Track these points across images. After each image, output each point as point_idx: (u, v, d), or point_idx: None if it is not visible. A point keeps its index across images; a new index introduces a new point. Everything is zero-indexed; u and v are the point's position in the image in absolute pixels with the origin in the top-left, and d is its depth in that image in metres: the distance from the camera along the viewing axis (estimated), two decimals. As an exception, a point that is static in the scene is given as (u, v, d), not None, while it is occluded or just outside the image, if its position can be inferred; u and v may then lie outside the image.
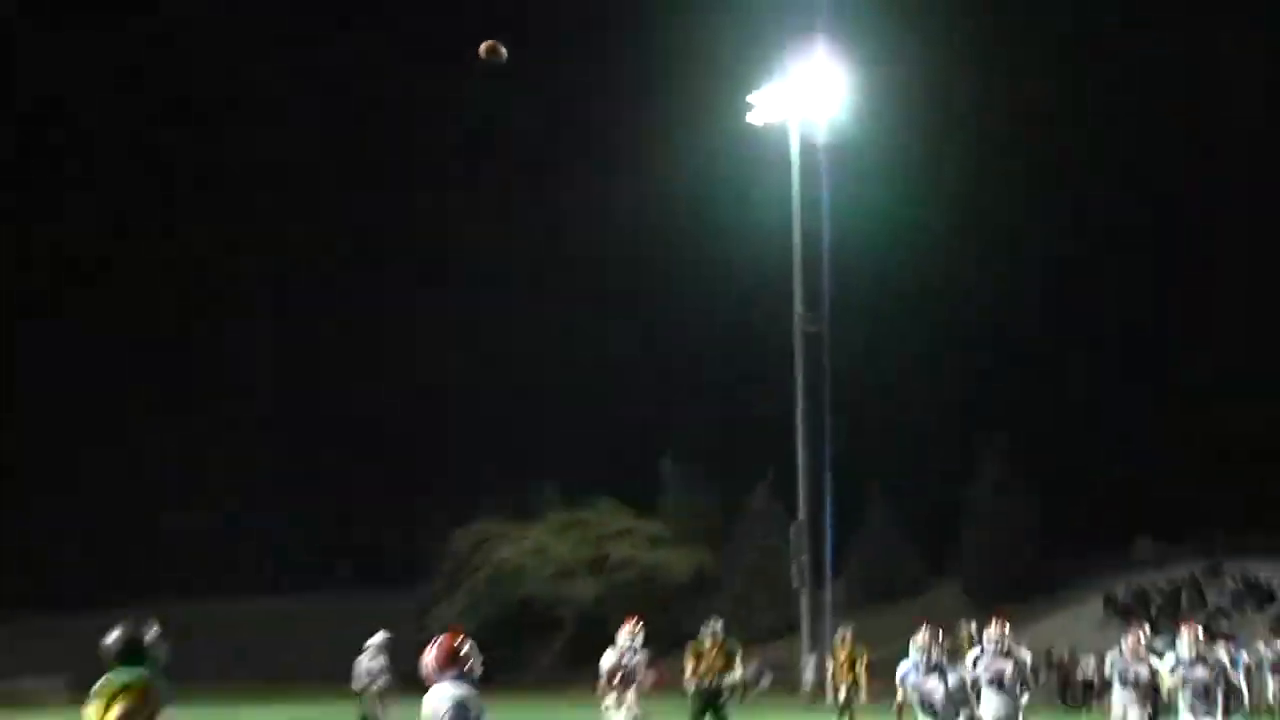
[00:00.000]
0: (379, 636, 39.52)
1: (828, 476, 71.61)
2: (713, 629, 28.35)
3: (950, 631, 31.29)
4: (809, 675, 62.35)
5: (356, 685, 38.76)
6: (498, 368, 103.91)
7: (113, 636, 11.38)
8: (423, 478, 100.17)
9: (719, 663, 27.78)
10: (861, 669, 34.73)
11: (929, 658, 18.28)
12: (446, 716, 12.32)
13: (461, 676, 12.49)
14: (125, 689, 10.87)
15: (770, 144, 72.12)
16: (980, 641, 25.01)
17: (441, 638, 12.55)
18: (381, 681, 38.03)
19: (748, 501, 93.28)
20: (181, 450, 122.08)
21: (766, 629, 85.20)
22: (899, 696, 24.58)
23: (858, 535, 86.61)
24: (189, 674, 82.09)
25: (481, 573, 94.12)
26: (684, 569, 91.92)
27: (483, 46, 19.20)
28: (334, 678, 66.51)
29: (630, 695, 27.41)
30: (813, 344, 71.43)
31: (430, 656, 12.28)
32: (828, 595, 72.28)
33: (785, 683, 68.76)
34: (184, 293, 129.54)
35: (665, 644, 39.40)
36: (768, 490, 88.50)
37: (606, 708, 27.56)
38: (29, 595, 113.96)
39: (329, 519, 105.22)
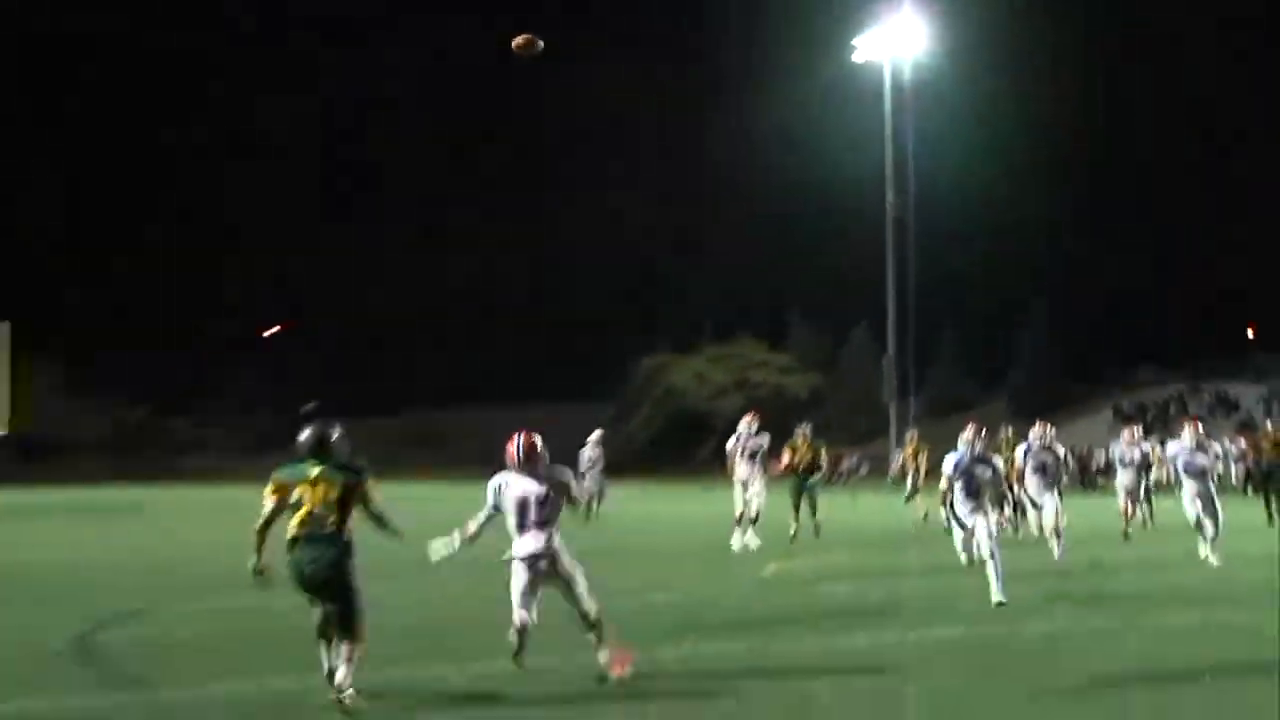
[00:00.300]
0: (596, 433, 40.38)
1: (910, 322, 73.71)
2: (803, 430, 28.88)
3: (994, 434, 34.21)
4: (895, 466, 64.37)
5: (581, 468, 38.11)
6: (679, 244, 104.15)
7: (305, 434, 11.37)
8: (615, 317, 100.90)
9: (807, 456, 28.30)
10: (923, 461, 34.49)
11: (973, 449, 17.73)
12: (549, 495, 12.29)
13: (537, 469, 12.37)
14: (317, 479, 11.03)
15: (871, 78, 73.69)
16: (1019, 442, 26.43)
17: (522, 436, 12.50)
18: (599, 466, 38.59)
19: (851, 341, 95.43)
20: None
21: (864, 433, 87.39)
22: (943, 484, 25.00)
23: (931, 366, 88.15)
24: (453, 462, 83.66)
25: (657, 391, 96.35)
26: (803, 389, 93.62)
27: (517, 41, 16.36)
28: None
29: (755, 470, 27.09)
30: (899, 226, 73.37)
31: (513, 450, 12.29)
32: (911, 408, 74.51)
33: (878, 470, 72.01)
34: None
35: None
36: (865, 332, 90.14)
37: (737, 481, 26.99)
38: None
39: (547, 346, 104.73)
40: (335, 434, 11.24)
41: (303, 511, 10.83)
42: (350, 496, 10.97)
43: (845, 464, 79.02)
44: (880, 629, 15.35)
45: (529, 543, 11.99)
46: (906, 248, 72.56)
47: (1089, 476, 59.56)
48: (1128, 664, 12.92)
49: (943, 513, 24.33)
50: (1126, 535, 27.98)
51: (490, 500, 12.30)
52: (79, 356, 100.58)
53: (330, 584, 10.72)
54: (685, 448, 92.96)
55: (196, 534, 36.41)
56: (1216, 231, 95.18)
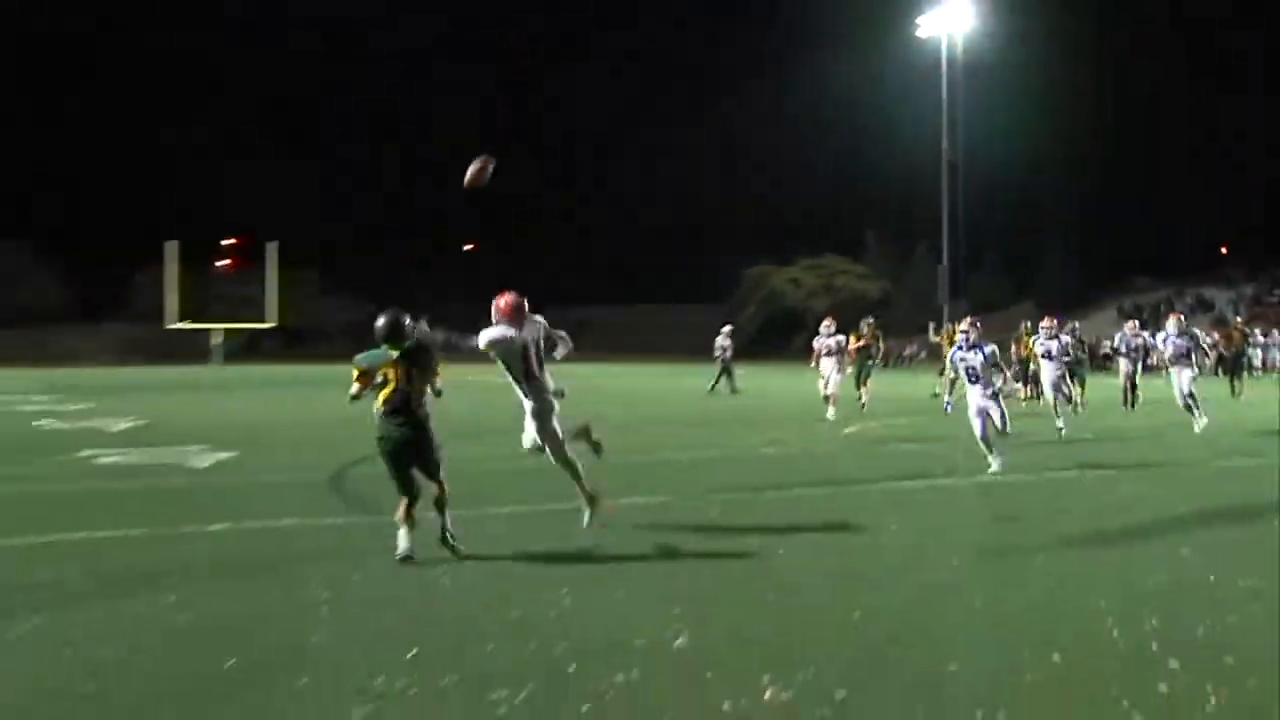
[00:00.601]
0: (727, 327, 39.19)
1: (960, 240, 73.82)
2: (868, 321, 29.01)
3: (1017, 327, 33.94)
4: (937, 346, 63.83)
5: (716, 354, 37.78)
6: (782, 177, 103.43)
7: (381, 321, 10.36)
8: (729, 233, 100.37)
9: (871, 341, 28.46)
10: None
11: (969, 338, 16.22)
12: (541, 334, 11.60)
13: (517, 323, 11.50)
14: (397, 361, 10.36)
15: (932, 50, 73.54)
16: (1034, 333, 26.47)
17: (511, 294, 11.62)
18: (729, 352, 37.42)
19: (914, 254, 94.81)
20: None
21: (923, 327, 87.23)
22: (948, 371, 25.09)
23: (975, 274, 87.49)
24: (596, 349, 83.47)
25: (761, 294, 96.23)
26: (876, 292, 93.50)
27: (470, 174, 12.06)
28: (682, 353, 68.52)
29: (833, 362, 26.80)
30: (952, 167, 73.30)
31: (502, 304, 11.47)
32: (960, 308, 74.26)
33: (934, 355, 71.56)
34: None
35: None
36: (924, 248, 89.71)
37: (822, 375, 26.77)
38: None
39: (675, 255, 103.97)
40: (407, 320, 10.45)
41: (388, 389, 10.35)
42: (425, 374, 10.48)
43: (908, 350, 78.71)
44: (934, 476, 15.40)
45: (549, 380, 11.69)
46: (957, 183, 73.15)
47: (1097, 361, 59.01)
48: (1129, 499, 12.94)
49: (942, 391, 24.43)
50: (1129, 406, 28.08)
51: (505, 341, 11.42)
52: (327, 266, 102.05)
53: (415, 444, 10.38)
54: (784, 339, 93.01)
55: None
56: (1200, 169, 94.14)
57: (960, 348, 16.27)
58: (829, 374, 26.82)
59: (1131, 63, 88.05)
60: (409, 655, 7.03)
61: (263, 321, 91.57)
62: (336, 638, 7.59)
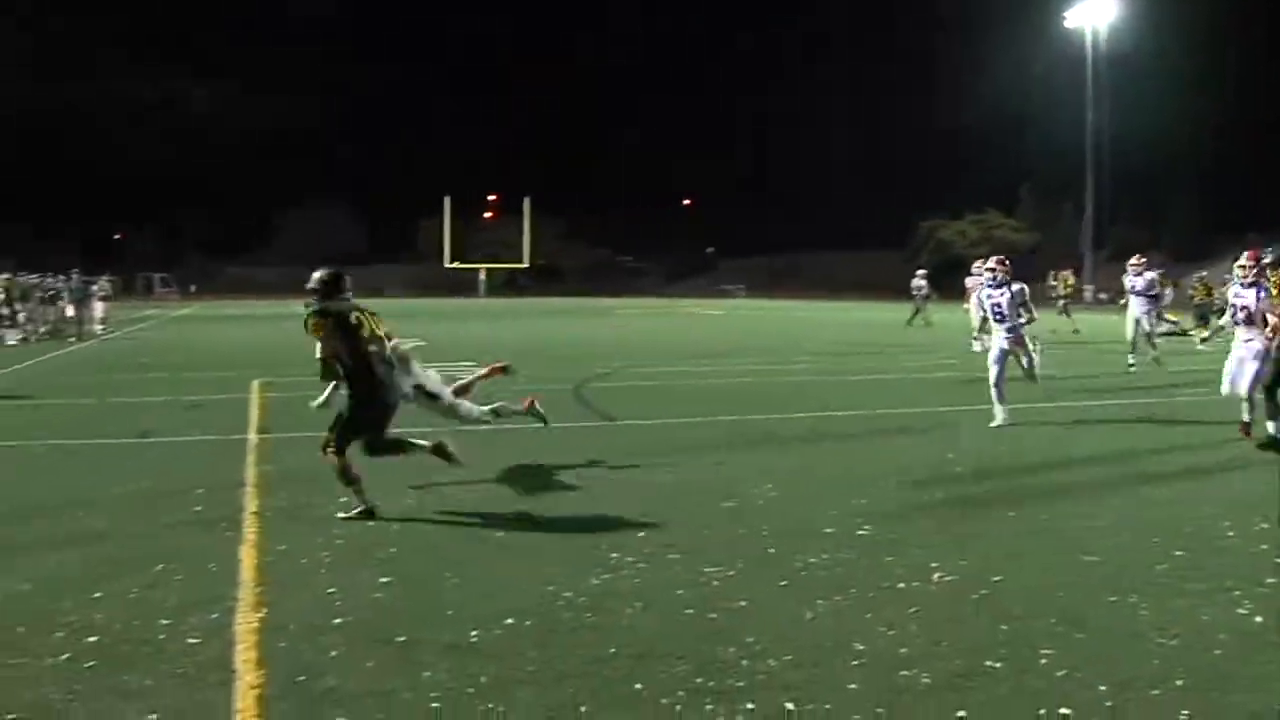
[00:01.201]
0: (922, 270, 38.03)
1: (1102, 197, 72.12)
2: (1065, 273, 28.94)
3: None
4: (1086, 295, 62.47)
5: (913, 293, 35.56)
6: (951, 143, 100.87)
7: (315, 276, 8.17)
8: (903, 193, 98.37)
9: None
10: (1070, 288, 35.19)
11: (996, 276, 12.70)
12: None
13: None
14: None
15: (1078, 37, 71.83)
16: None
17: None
18: (924, 291, 35.07)
19: (1062, 210, 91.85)
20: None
21: (1071, 269, 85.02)
22: (974, 311, 22.13)
23: (1114, 225, 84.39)
24: (806, 288, 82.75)
25: (931, 243, 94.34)
26: (1029, 242, 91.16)
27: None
28: (879, 291, 67.48)
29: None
30: (1096, 134, 71.44)
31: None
32: (1101, 255, 72.40)
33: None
34: None
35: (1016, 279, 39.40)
36: (1071, 207, 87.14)
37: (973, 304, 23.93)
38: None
39: (867, 207, 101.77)
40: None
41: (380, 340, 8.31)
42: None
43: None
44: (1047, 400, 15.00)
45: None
46: (1101, 149, 72.49)
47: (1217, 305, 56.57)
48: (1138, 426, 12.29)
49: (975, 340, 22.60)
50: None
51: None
52: (572, 214, 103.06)
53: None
54: (950, 280, 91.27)
55: (641, 327, 37.62)
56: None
57: (989, 285, 12.93)
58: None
59: (1257, 48, 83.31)
60: (639, 534, 7.13)
61: (519, 262, 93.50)
62: (579, 517, 7.77)
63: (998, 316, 12.69)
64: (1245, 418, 11.00)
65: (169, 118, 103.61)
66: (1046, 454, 10.51)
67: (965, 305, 26.79)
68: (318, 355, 8.15)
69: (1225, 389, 11.16)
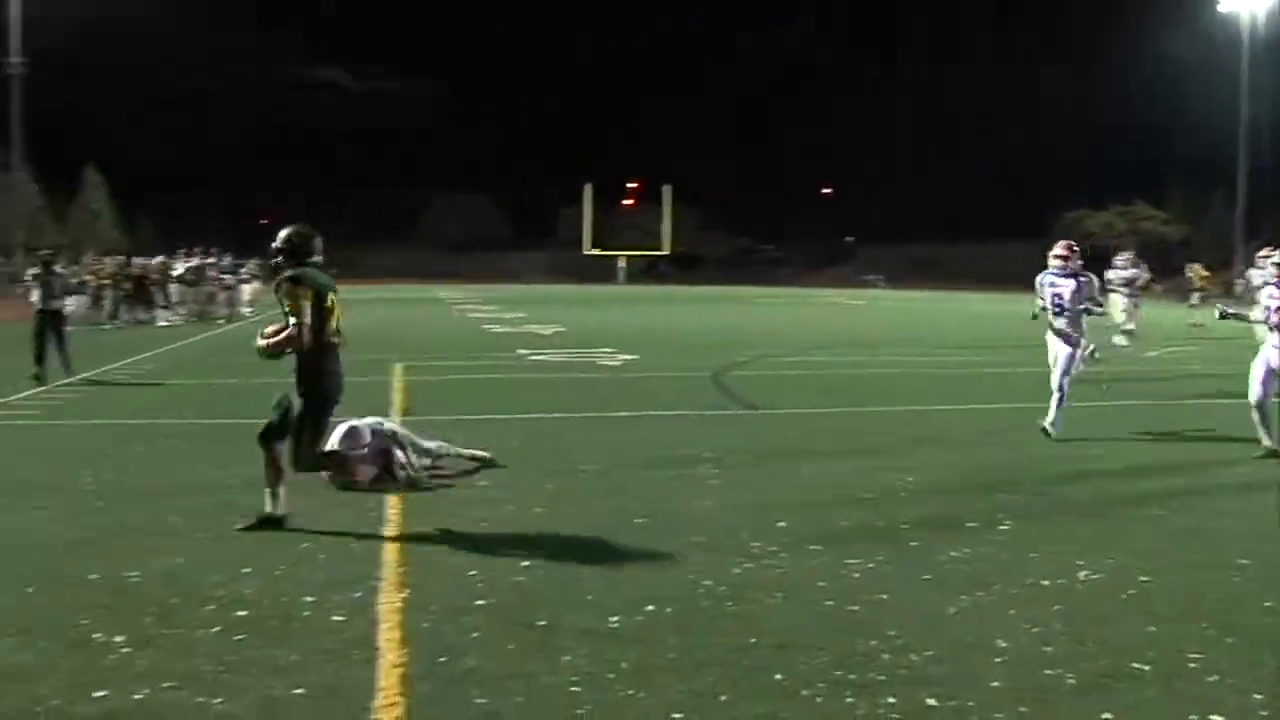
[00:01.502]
0: (1124, 255, 37.12)
1: (1254, 189, 70.03)
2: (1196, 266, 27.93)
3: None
4: (1237, 288, 60.64)
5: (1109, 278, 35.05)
6: (1101, 133, 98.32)
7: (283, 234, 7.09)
8: (1043, 183, 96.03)
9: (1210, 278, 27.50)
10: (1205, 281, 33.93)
11: (1065, 265, 10.97)
12: None
13: None
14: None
15: (1233, 22, 69.61)
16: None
17: None
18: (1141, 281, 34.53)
19: (1212, 201, 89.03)
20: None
21: (1219, 264, 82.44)
22: (1038, 300, 21.62)
23: (1266, 218, 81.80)
24: (949, 278, 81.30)
25: (1077, 233, 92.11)
26: (1177, 234, 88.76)
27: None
28: (1007, 284, 66.31)
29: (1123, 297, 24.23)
30: (1251, 126, 69.38)
31: None
32: (1250, 250, 70.04)
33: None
34: None
35: (1164, 272, 37.29)
36: (1221, 196, 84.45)
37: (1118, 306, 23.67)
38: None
39: (1009, 199, 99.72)
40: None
41: (335, 319, 7.08)
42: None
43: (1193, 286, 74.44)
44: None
45: None
46: (1260, 135, 70.34)
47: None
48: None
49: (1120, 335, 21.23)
50: None
51: None
52: (711, 203, 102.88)
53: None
54: (1096, 272, 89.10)
55: (781, 317, 37.32)
56: None
57: (1055, 274, 11.17)
58: (1121, 301, 24.57)
59: None
60: (780, 524, 7.09)
61: (658, 250, 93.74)
62: (720, 505, 7.73)
63: (1057, 308, 11.15)
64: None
65: (322, 104, 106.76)
66: (1191, 454, 10.23)
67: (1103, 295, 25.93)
68: (259, 341, 7.08)
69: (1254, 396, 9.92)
